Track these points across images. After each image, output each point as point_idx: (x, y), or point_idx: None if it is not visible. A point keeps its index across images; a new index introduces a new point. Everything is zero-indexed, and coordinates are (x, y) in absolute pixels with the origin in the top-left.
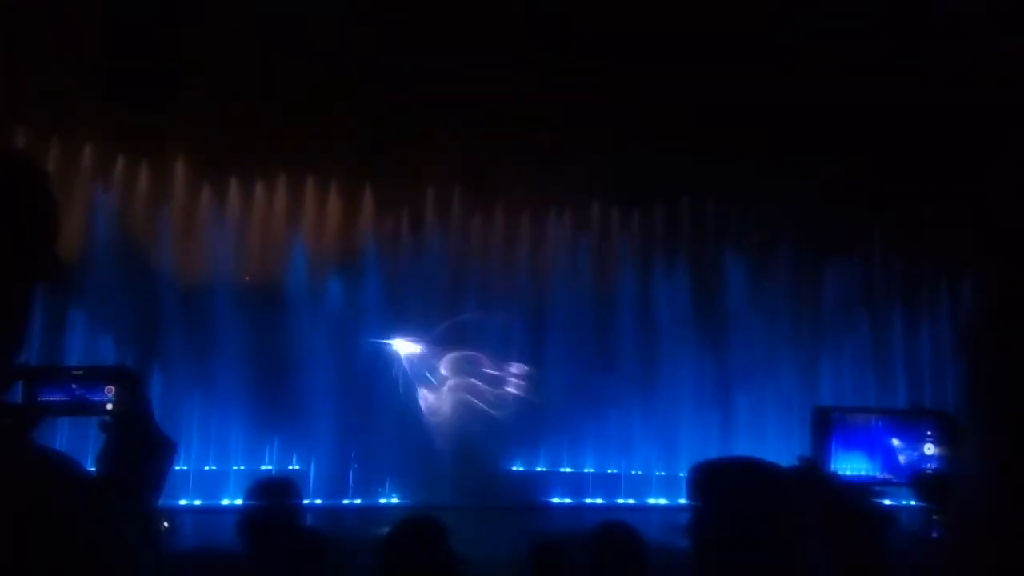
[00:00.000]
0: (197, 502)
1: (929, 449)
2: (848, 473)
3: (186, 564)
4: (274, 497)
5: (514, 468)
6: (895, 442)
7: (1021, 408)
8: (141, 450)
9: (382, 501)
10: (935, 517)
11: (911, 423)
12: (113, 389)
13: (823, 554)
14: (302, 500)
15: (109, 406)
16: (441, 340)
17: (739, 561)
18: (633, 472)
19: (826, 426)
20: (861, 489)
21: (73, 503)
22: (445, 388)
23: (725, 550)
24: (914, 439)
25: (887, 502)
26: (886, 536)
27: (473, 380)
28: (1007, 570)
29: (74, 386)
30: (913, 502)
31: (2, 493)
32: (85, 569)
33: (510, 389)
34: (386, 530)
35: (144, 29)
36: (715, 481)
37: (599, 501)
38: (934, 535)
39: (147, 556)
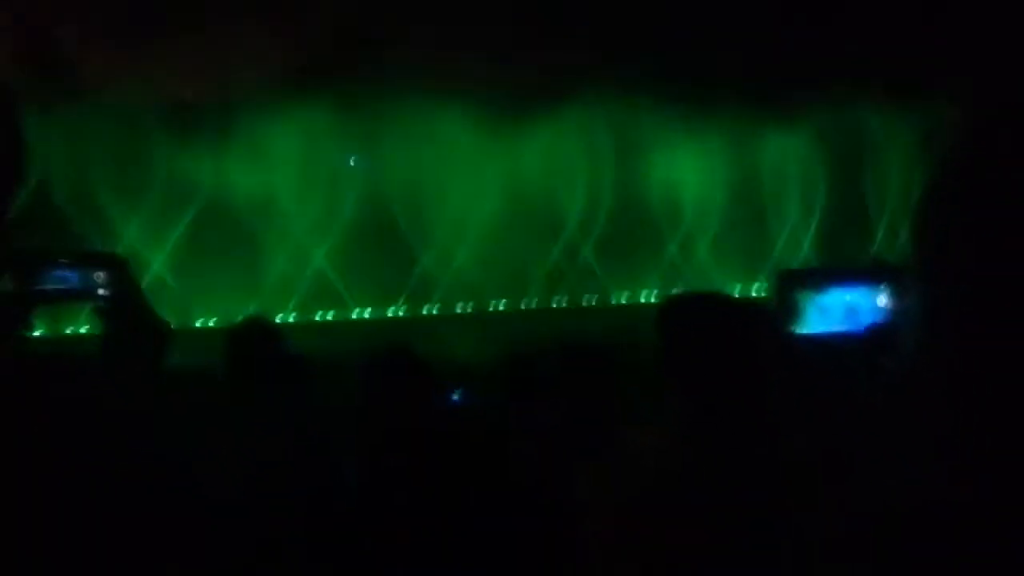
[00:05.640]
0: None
1: (882, 301)
2: (808, 329)
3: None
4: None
5: None
6: (852, 297)
7: (962, 260)
8: (138, 333)
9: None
10: (883, 366)
11: (869, 278)
12: (103, 275)
13: (781, 389)
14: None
15: (101, 291)
16: None
17: (704, 390)
18: None
19: (787, 285)
20: (815, 342)
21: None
22: None
23: (690, 380)
24: (870, 293)
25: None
26: (833, 378)
27: None
28: (945, 412)
29: (65, 273)
30: (868, 351)
31: (9, 387)
32: (103, 445)
33: None
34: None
35: None
36: (682, 313)
37: None
38: (882, 383)
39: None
